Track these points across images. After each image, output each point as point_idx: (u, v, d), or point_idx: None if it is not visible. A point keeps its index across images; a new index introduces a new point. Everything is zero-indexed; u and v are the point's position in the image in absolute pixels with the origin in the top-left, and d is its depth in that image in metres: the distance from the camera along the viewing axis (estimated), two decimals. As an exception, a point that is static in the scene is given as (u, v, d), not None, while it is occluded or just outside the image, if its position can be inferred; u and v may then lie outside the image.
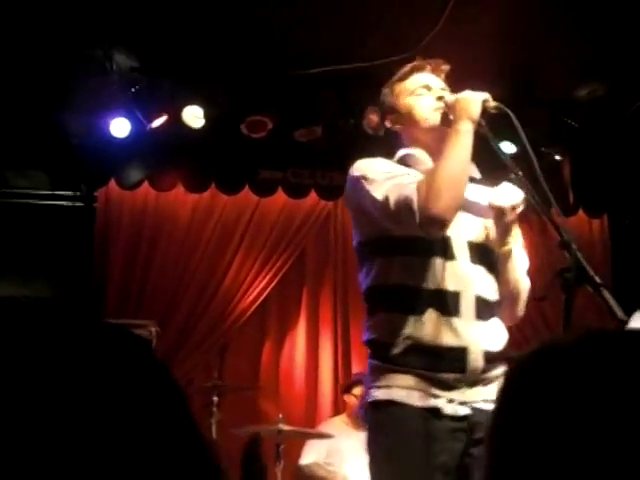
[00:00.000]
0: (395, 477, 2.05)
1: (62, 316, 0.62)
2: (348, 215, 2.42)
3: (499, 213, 2.16)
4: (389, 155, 2.30)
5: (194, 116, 4.89)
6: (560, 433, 0.69)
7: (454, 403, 2.05)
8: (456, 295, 2.09)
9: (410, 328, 2.06)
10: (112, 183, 5.12)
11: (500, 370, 2.14)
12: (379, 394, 2.09)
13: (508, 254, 2.20)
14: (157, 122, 4.86)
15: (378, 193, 2.06)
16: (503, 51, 4.53)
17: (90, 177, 5.15)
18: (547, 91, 5.05)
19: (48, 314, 0.63)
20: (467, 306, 2.10)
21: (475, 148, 2.06)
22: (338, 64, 4.63)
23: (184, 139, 4.97)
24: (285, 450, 4.16)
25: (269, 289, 5.27)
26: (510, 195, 2.14)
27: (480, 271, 2.16)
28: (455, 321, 2.07)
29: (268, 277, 5.25)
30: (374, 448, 2.11)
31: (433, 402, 2.04)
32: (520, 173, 2.06)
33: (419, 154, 2.26)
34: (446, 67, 2.34)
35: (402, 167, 2.20)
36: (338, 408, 5.08)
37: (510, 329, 2.21)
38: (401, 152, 2.30)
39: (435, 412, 2.04)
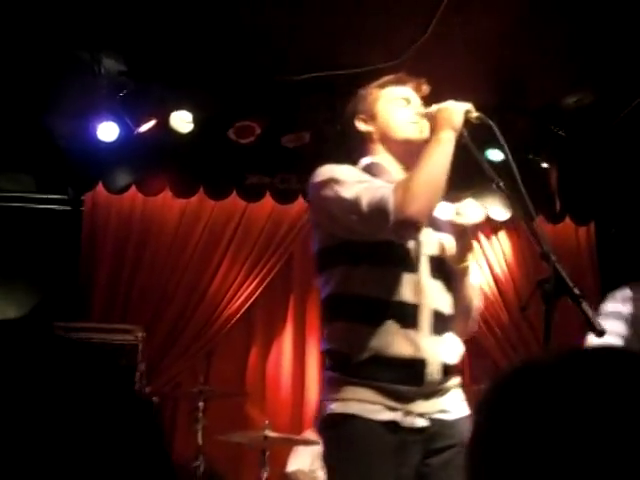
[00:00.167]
0: None
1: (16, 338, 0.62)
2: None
3: (460, 231, 2.17)
4: (351, 162, 2.27)
5: (182, 121, 4.88)
6: (541, 451, 0.69)
7: (412, 415, 2.03)
8: (415, 308, 2.08)
9: (371, 339, 2.03)
10: (100, 187, 5.10)
11: (456, 381, 2.14)
12: (336, 407, 2.05)
13: (466, 270, 2.21)
14: (145, 126, 4.85)
15: (348, 194, 2.05)
16: (491, 59, 4.54)
17: (78, 181, 5.13)
18: (534, 99, 5.07)
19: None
20: (425, 319, 2.08)
21: (455, 158, 2.05)
22: (326, 70, 4.64)
23: (172, 144, 4.96)
24: (271, 457, 4.14)
25: (256, 294, 5.25)
26: (472, 213, 2.13)
27: (438, 285, 2.15)
28: (414, 333, 2.05)
29: (255, 282, 5.24)
30: (331, 463, 2.07)
31: (391, 415, 2.02)
32: (501, 183, 2.06)
33: (385, 163, 2.25)
34: (427, 88, 2.33)
35: (367, 175, 2.18)
36: (324, 414, 5.07)
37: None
38: (366, 160, 2.28)
39: (393, 425, 2.02)
